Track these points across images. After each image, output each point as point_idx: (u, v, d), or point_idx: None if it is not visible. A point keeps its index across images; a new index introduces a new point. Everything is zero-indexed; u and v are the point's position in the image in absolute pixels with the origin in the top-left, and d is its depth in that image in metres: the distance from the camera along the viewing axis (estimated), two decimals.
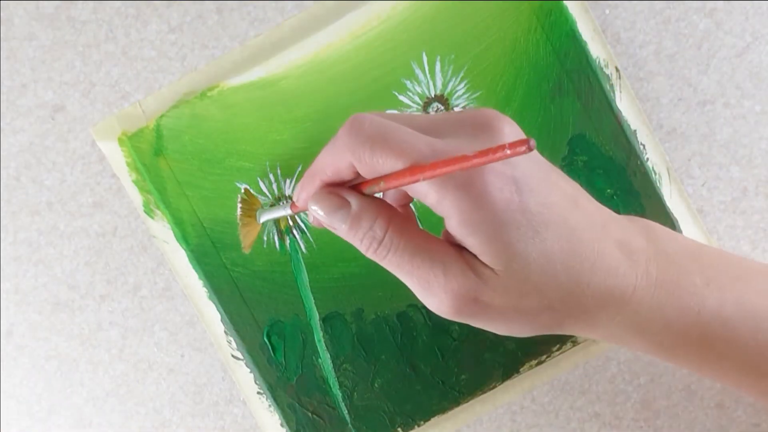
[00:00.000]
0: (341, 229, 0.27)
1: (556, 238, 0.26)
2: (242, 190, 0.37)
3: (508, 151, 0.21)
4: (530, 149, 0.21)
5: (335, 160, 0.27)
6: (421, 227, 0.28)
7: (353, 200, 0.27)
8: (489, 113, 0.26)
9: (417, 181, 0.24)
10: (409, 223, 0.27)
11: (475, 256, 0.26)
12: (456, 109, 0.37)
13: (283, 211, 0.34)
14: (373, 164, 0.25)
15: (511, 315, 0.27)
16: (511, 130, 0.26)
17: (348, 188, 0.28)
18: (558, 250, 0.26)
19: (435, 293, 0.26)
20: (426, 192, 0.25)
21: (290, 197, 0.38)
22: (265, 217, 0.36)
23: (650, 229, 0.29)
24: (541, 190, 0.26)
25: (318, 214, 0.28)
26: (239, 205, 0.37)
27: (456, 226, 0.25)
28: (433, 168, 0.24)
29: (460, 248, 0.27)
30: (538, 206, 0.25)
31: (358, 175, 0.27)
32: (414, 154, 0.25)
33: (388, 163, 0.25)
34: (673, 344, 0.29)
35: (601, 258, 0.26)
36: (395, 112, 0.37)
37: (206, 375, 0.38)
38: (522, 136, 0.26)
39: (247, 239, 0.37)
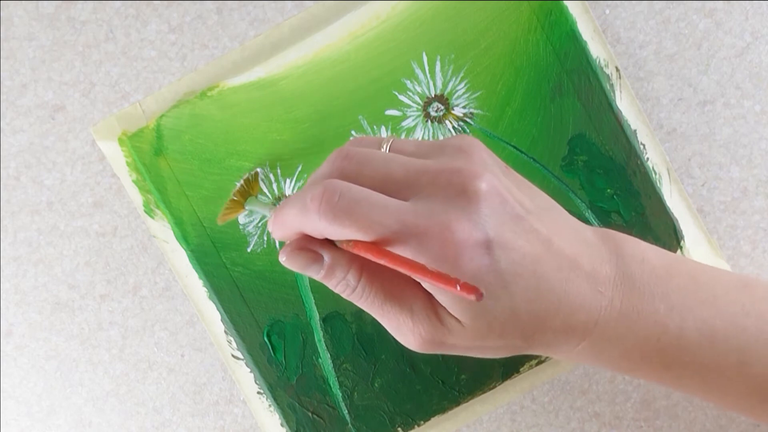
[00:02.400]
0: (316, 277, 0.29)
1: (523, 290, 0.27)
2: (255, 171, 0.37)
3: (458, 288, 0.24)
4: (478, 300, 0.24)
5: (307, 224, 0.28)
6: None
7: (326, 254, 0.28)
8: (468, 171, 0.27)
9: (379, 260, 0.26)
10: (381, 267, 0.28)
11: (443, 307, 0.28)
12: (456, 111, 0.37)
13: (266, 211, 0.34)
14: (342, 235, 0.27)
15: (474, 351, 0.29)
16: (488, 190, 0.26)
17: (320, 241, 0.29)
18: (524, 301, 0.27)
19: (404, 333, 0.28)
20: (396, 267, 0.26)
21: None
22: (251, 206, 0.36)
23: (620, 252, 0.29)
24: (513, 244, 0.26)
25: (291, 267, 0.29)
26: (241, 182, 0.36)
27: (429, 287, 0.27)
28: (394, 261, 0.25)
29: (428, 294, 0.28)
30: (507, 263, 0.26)
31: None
32: (380, 229, 0.26)
33: (356, 235, 0.26)
34: (632, 367, 0.30)
35: (566, 297, 0.27)
36: (405, 99, 0.37)
37: (206, 375, 0.38)
38: (500, 191, 0.27)
39: (225, 215, 0.36)
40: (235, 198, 0.36)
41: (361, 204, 0.26)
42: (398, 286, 0.28)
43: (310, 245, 0.28)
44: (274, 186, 0.37)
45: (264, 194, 0.37)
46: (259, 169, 0.37)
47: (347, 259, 0.28)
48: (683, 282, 0.29)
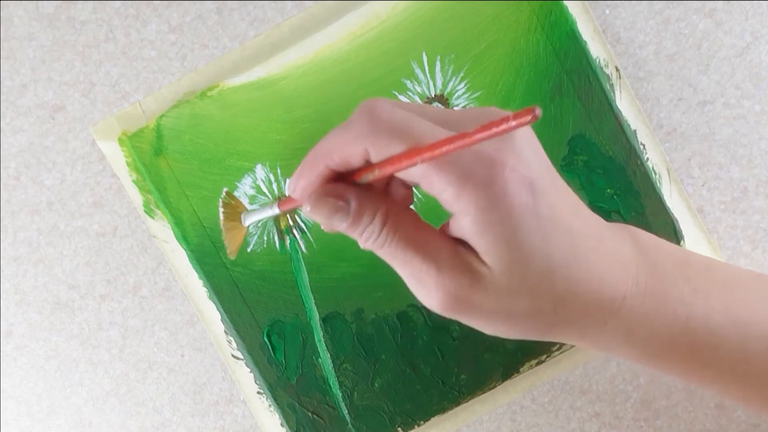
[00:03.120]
0: (341, 227, 0.27)
1: (561, 243, 0.26)
2: (223, 194, 0.37)
3: (513, 123, 0.20)
4: (536, 118, 0.20)
5: (347, 146, 0.26)
6: (420, 218, 0.28)
7: (353, 198, 0.27)
8: (503, 112, 0.26)
9: (415, 164, 0.24)
10: (406, 214, 0.27)
11: (473, 253, 0.26)
12: (456, 109, 0.37)
13: (270, 212, 0.32)
14: (391, 154, 0.25)
15: (499, 317, 0.27)
16: (527, 138, 0.26)
17: (344, 184, 0.27)
18: (560, 256, 0.26)
19: (427, 287, 0.26)
20: (443, 188, 0.25)
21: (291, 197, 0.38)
22: (251, 219, 0.34)
23: (638, 238, 0.29)
24: (552, 194, 0.26)
25: (317, 218, 0.27)
26: (221, 209, 0.36)
27: (469, 224, 0.25)
28: (432, 149, 0.23)
29: (456, 244, 0.27)
30: (548, 210, 0.25)
31: (366, 163, 0.27)
32: (429, 140, 0.24)
33: (404, 146, 0.25)
34: (660, 352, 0.29)
35: (596, 266, 0.27)
36: (405, 99, 0.37)
37: (206, 375, 0.38)
38: (532, 131, 0.26)
39: (232, 244, 0.36)
40: (229, 225, 0.35)
41: (411, 120, 0.25)
42: (423, 235, 0.27)
43: (335, 190, 0.27)
44: (274, 186, 0.37)
45: (264, 195, 0.37)
46: (225, 188, 0.37)
47: (374, 201, 0.27)
48: (701, 268, 0.29)
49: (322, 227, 0.28)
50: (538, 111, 0.20)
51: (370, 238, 0.27)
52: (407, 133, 0.25)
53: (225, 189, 0.37)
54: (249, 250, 0.37)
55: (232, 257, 0.37)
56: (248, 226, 0.35)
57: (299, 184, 0.28)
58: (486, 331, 0.28)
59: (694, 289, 0.28)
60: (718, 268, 0.30)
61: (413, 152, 0.24)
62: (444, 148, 0.23)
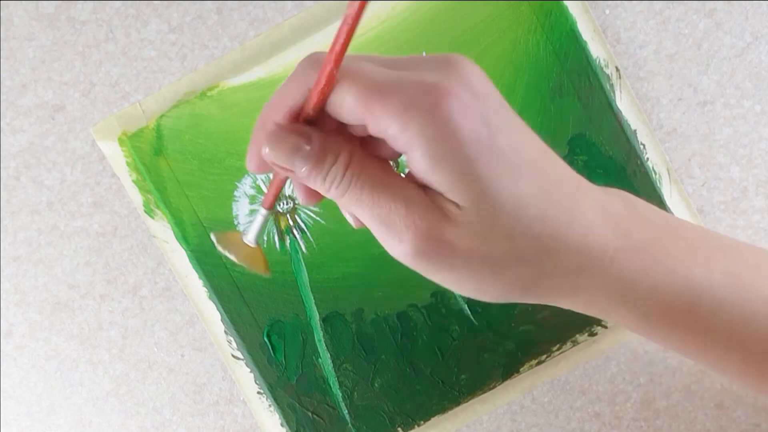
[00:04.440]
0: (301, 172, 0.25)
1: (530, 183, 0.24)
2: (213, 240, 0.35)
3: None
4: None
5: (294, 93, 0.25)
6: (388, 164, 0.26)
7: (315, 138, 0.25)
8: (453, 54, 0.25)
9: (330, 78, 0.23)
10: (373, 158, 0.25)
11: (441, 193, 0.24)
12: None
13: (260, 217, 0.31)
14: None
15: (478, 264, 0.25)
16: (474, 68, 0.25)
17: (306, 128, 0.25)
18: (532, 196, 0.24)
19: (395, 230, 0.24)
20: (388, 123, 0.23)
21: (290, 197, 0.38)
22: (251, 234, 0.33)
23: (628, 198, 0.28)
24: (512, 132, 0.24)
25: (275, 159, 0.25)
26: (225, 252, 0.35)
27: (420, 158, 0.24)
28: (331, 51, 0.23)
29: (423, 186, 0.25)
30: (509, 147, 0.24)
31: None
32: (367, 81, 0.23)
33: (341, 93, 0.24)
34: (659, 314, 0.27)
35: (578, 213, 0.25)
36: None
37: (206, 375, 0.38)
38: (486, 76, 0.25)
39: (259, 266, 0.35)
40: (242, 256, 0.34)
41: (350, 62, 0.24)
42: (389, 177, 0.25)
43: (299, 127, 0.25)
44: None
45: (263, 193, 0.37)
46: (210, 234, 0.37)
47: (337, 144, 0.25)
48: (698, 232, 0.28)
49: (278, 171, 0.26)
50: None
51: (333, 182, 0.25)
52: (344, 72, 0.24)
53: (211, 234, 0.36)
54: (216, 247, 0.37)
55: (269, 274, 0.36)
56: (257, 239, 0.35)
57: (253, 150, 0.27)
58: (465, 287, 0.26)
59: (692, 248, 0.27)
60: (714, 235, 0.29)
61: (323, 65, 0.23)
62: (338, 42, 0.22)
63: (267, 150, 0.25)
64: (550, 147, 0.27)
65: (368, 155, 0.25)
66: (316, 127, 0.25)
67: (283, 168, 0.25)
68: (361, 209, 0.25)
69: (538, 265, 0.25)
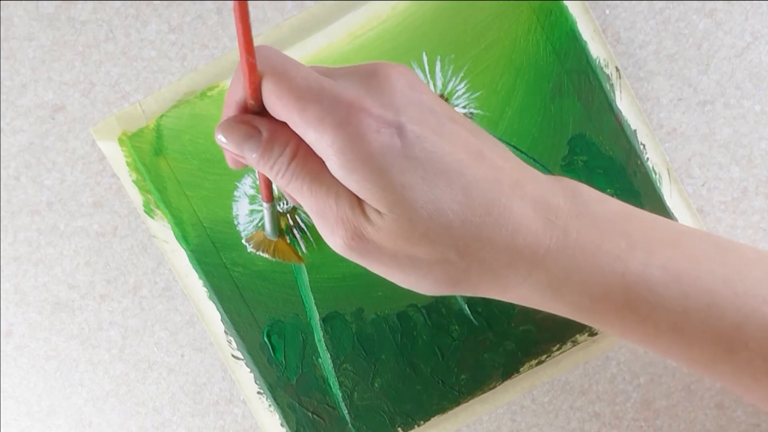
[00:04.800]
0: (251, 158, 0.27)
1: (449, 188, 0.25)
2: (248, 247, 0.37)
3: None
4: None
5: (239, 88, 0.27)
6: None
7: (264, 126, 0.27)
8: (381, 63, 0.26)
9: (246, 62, 0.25)
10: (313, 153, 0.27)
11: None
12: (456, 110, 0.37)
13: (265, 211, 0.34)
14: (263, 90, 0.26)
15: (404, 261, 0.27)
16: (398, 78, 0.26)
17: (258, 118, 0.27)
18: (450, 200, 0.25)
19: (329, 223, 0.26)
20: (306, 129, 0.25)
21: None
22: (268, 228, 0.36)
23: (577, 191, 0.28)
24: (431, 137, 0.25)
25: (228, 146, 0.27)
26: (262, 253, 0.37)
27: (334, 167, 0.25)
28: (239, 41, 0.24)
29: None
30: (425, 153, 0.25)
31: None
32: (290, 84, 0.25)
33: (266, 90, 0.26)
34: (592, 308, 0.28)
35: (507, 214, 0.26)
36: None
37: (206, 375, 0.38)
38: (415, 81, 0.26)
39: (290, 255, 0.37)
40: (277, 251, 0.37)
41: (283, 63, 0.26)
42: (327, 174, 0.27)
43: (250, 119, 0.27)
44: (274, 186, 0.37)
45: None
46: (243, 240, 0.37)
47: (286, 136, 0.27)
48: (647, 224, 0.28)
49: (230, 164, 0.29)
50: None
51: (279, 171, 0.27)
52: (281, 65, 0.25)
53: (243, 241, 0.37)
54: (249, 250, 0.37)
55: (303, 262, 0.37)
56: (277, 232, 0.37)
57: (223, 118, 0.29)
58: (399, 281, 0.28)
59: (632, 245, 0.27)
60: (668, 225, 0.29)
61: (240, 56, 0.25)
62: (238, 31, 0.24)
63: (220, 136, 0.27)
64: (510, 148, 0.28)
65: (314, 153, 0.27)
66: (268, 119, 0.27)
67: (236, 155, 0.28)
68: (302, 200, 0.27)
69: (462, 263, 0.26)
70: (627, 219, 0.28)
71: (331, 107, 0.25)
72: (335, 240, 0.27)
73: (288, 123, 0.26)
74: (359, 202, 0.26)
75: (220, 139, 0.27)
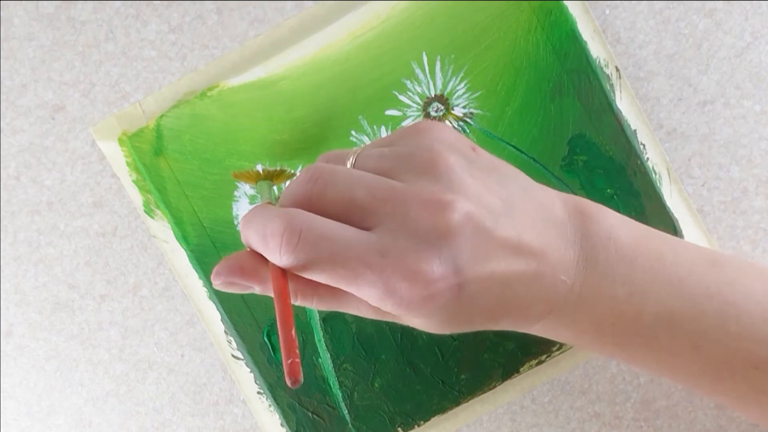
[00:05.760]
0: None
1: (485, 303, 0.27)
2: (291, 172, 0.36)
3: (285, 362, 0.25)
4: (291, 386, 0.25)
5: (268, 255, 0.27)
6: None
7: (257, 286, 0.28)
8: (438, 202, 0.26)
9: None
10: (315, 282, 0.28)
11: None
12: (456, 111, 0.37)
13: (267, 191, 0.34)
14: (304, 274, 0.27)
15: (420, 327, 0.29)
16: (460, 221, 0.26)
17: (251, 272, 0.28)
18: (483, 309, 0.27)
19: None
20: (362, 301, 0.28)
21: None
22: (260, 188, 0.35)
23: (586, 231, 0.29)
24: (483, 270, 0.26)
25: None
26: (277, 167, 0.36)
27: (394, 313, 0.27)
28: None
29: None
30: (475, 290, 0.26)
31: None
32: (343, 272, 0.26)
33: (320, 279, 0.26)
34: (585, 345, 0.31)
35: (528, 294, 0.28)
36: (405, 100, 0.37)
37: (206, 375, 0.38)
38: (472, 215, 0.26)
39: (242, 174, 0.35)
40: (260, 171, 0.36)
41: (321, 245, 0.25)
42: (339, 290, 0.28)
43: (241, 276, 0.28)
44: (275, 187, 0.37)
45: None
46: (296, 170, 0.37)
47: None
48: (649, 263, 0.29)
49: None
50: (295, 384, 0.25)
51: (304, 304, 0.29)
52: (320, 265, 0.26)
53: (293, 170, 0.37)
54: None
55: (231, 175, 0.36)
56: (254, 185, 0.36)
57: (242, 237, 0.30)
58: (410, 323, 0.29)
59: (630, 293, 0.29)
60: (671, 259, 0.30)
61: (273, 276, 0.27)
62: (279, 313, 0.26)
63: (218, 283, 0.28)
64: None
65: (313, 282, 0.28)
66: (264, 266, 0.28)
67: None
68: (346, 293, 0.28)
69: (476, 329, 0.29)
70: (631, 258, 0.29)
71: (387, 286, 0.25)
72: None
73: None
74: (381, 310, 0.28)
75: (217, 285, 0.28)
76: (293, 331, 0.26)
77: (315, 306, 0.29)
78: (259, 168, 0.36)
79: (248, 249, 0.28)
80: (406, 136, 0.29)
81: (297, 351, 0.25)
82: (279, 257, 0.26)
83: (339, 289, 0.27)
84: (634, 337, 0.29)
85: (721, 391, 0.30)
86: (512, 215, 0.27)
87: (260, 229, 0.27)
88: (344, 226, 0.26)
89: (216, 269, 0.28)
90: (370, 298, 0.26)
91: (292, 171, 0.36)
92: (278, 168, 0.35)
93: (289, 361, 0.25)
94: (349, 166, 0.29)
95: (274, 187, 0.36)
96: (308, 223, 0.26)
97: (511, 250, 0.27)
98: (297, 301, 0.29)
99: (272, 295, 0.27)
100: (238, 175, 0.35)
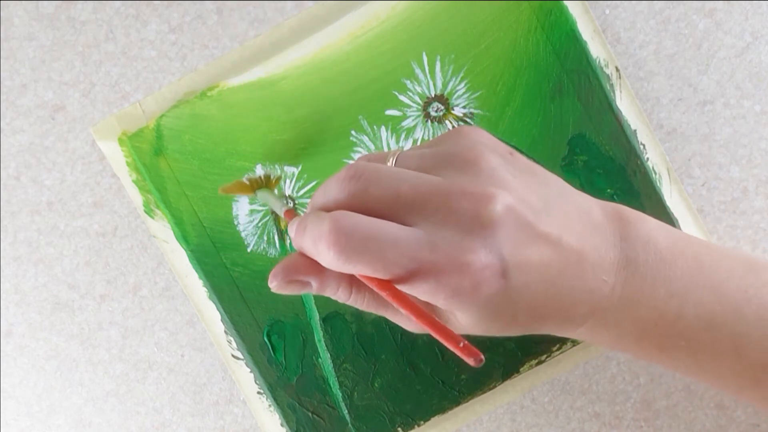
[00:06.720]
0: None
1: (530, 298, 0.27)
2: (278, 175, 0.37)
3: (461, 345, 0.25)
4: (476, 365, 0.25)
5: (319, 258, 0.27)
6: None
7: (314, 280, 0.29)
8: (480, 195, 0.26)
9: (391, 300, 0.26)
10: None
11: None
12: (456, 111, 0.37)
13: (278, 210, 0.34)
14: (356, 272, 0.27)
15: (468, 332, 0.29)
16: (502, 212, 0.26)
17: (308, 268, 0.28)
18: (528, 307, 0.27)
19: (405, 325, 0.29)
20: (427, 300, 0.27)
21: (290, 197, 0.38)
22: (263, 198, 0.36)
23: (625, 234, 0.29)
24: (526, 260, 0.26)
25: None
26: (261, 173, 0.37)
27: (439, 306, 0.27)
28: (404, 305, 0.26)
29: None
30: (519, 280, 0.26)
31: None
32: (394, 268, 0.26)
33: (370, 274, 0.26)
34: (627, 348, 0.31)
35: (571, 293, 0.28)
36: (405, 99, 0.37)
37: (206, 375, 0.38)
38: (513, 207, 0.26)
39: (231, 188, 0.36)
40: (246, 182, 0.36)
41: (370, 244, 0.25)
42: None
43: (297, 274, 0.28)
44: (275, 190, 0.37)
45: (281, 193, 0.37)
46: (287, 169, 0.37)
47: (335, 280, 0.29)
48: (687, 265, 0.29)
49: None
50: (480, 362, 0.25)
51: (340, 299, 0.30)
52: (370, 262, 0.26)
53: (287, 169, 0.37)
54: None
55: (219, 191, 0.37)
56: (254, 195, 0.36)
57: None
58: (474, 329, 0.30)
59: (671, 294, 0.29)
60: (710, 262, 0.30)
61: (392, 294, 0.26)
62: (412, 313, 0.26)
63: (274, 285, 0.29)
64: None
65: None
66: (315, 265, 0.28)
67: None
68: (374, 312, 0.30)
69: (522, 332, 0.29)
70: (670, 261, 0.29)
71: (437, 280, 0.26)
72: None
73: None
74: (432, 309, 0.29)
75: (273, 287, 0.29)
76: (438, 319, 0.26)
77: (365, 307, 0.30)
78: (245, 179, 0.36)
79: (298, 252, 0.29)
80: (446, 138, 0.29)
81: (457, 334, 0.26)
82: (329, 260, 0.26)
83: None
84: (676, 339, 0.29)
85: (764, 395, 0.30)
86: (552, 214, 0.27)
87: (314, 234, 0.27)
88: (389, 223, 0.26)
89: (273, 272, 0.28)
90: (421, 294, 0.26)
91: (278, 174, 0.37)
92: (261, 175, 0.35)
93: (461, 345, 0.25)
94: (389, 165, 0.29)
95: (275, 191, 0.36)
96: (354, 223, 0.26)
97: (552, 244, 0.27)
98: (350, 298, 0.29)
99: (327, 293, 0.29)
100: (227, 189, 0.36)
